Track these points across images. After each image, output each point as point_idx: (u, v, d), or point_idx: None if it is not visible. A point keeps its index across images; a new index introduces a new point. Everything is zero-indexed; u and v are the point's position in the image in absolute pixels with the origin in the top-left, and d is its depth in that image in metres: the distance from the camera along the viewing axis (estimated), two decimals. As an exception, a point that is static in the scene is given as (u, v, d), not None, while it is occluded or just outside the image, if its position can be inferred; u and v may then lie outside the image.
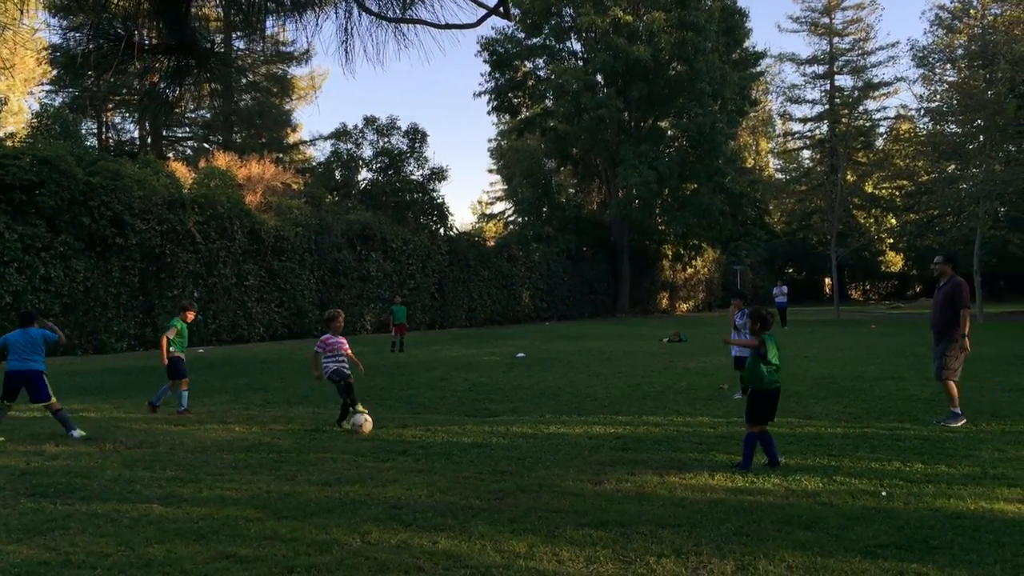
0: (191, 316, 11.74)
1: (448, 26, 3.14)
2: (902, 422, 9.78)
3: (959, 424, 9.50)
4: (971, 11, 42.38)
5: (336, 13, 3.07)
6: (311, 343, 26.30)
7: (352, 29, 3.04)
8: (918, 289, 70.23)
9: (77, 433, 9.41)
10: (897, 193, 56.91)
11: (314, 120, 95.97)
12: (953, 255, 10.58)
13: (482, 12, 3.13)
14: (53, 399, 9.68)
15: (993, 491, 6.54)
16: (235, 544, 5.41)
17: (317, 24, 3.07)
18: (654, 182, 41.72)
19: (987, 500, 6.28)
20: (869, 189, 58.54)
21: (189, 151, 50.81)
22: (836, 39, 65.91)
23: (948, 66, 41.74)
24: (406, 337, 22.99)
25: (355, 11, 3.03)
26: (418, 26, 3.12)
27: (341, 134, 42.49)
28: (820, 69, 66.60)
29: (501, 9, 3.14)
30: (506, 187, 67.75)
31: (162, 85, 3.17)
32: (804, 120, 68.41)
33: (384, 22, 3.08)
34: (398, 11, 3.09)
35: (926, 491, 6.57)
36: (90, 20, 2.95)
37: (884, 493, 6.52)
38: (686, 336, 25.61)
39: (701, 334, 27.63)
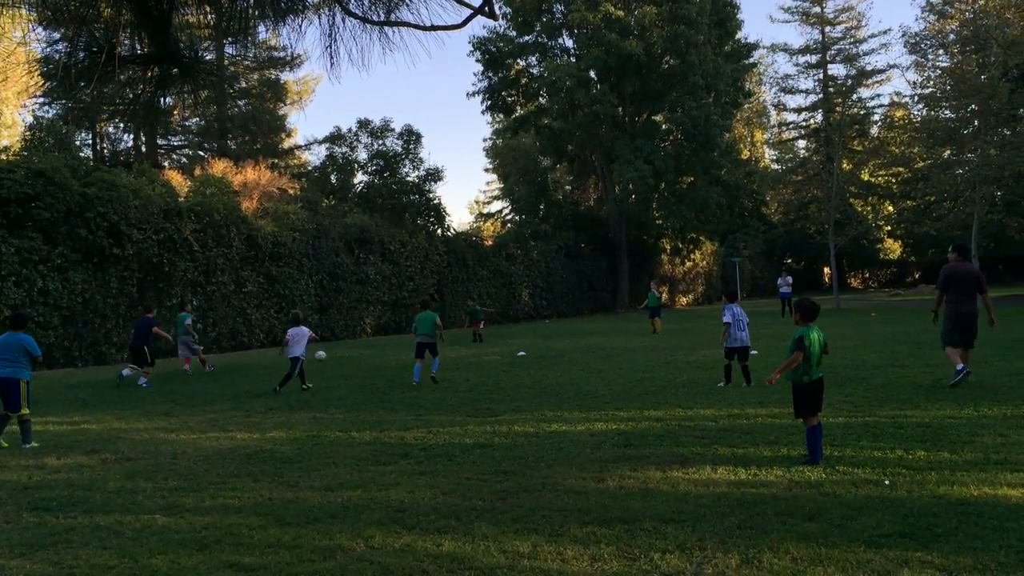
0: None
1: (433, 28, 3.13)
2: (904, 410, 9.78)
3: None
4: (962, -4, 42.33)
5: (320, 19, 3.05)
6: (311, 348, 26.30)
7: (336, 34, 3.03)
8: (917, 276, 70.18)
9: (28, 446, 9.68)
10: (893, 180, 56.82)
11: (309, 124, 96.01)
12: None
13: (467, 13, 3.12)
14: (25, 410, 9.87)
15: (996, 477, 6.53)
16: (238, 553, 5.40)
17: (301, 30, 3.06)
18: (650, 176, 41.68)
19: (990, 486, 6.27)
20: (865, 177, 58.43)
21: (184, 159, 50.79)
22: (828, 28, 65.78)
23: (941, 52, 41.69)
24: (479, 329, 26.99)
25: (338, 15, 3.02)
26: (403, 29, 3.10)
27: (336, 138, 42.43)
28: (813, 58, 66.48)
29: (486, 9, 3.13)
30: (502, 186, 67.67)
31: (147, 95, 3.16)
32: (798, 110, 68.29)
33: (369, 26, 3.06)
34: (382, 14, 3.07)
35: (929, 479, 6.57)
36: (73, 32, 2.94)
37: (887, 482, 6.51)
38: (658, 299, 28.22)
39: (701, 328, 27.62)
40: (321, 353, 14.48)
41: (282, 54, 50.37)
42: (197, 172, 36.53)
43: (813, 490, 6.38)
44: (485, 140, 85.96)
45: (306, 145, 54.26)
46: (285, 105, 53.74)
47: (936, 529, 5.33)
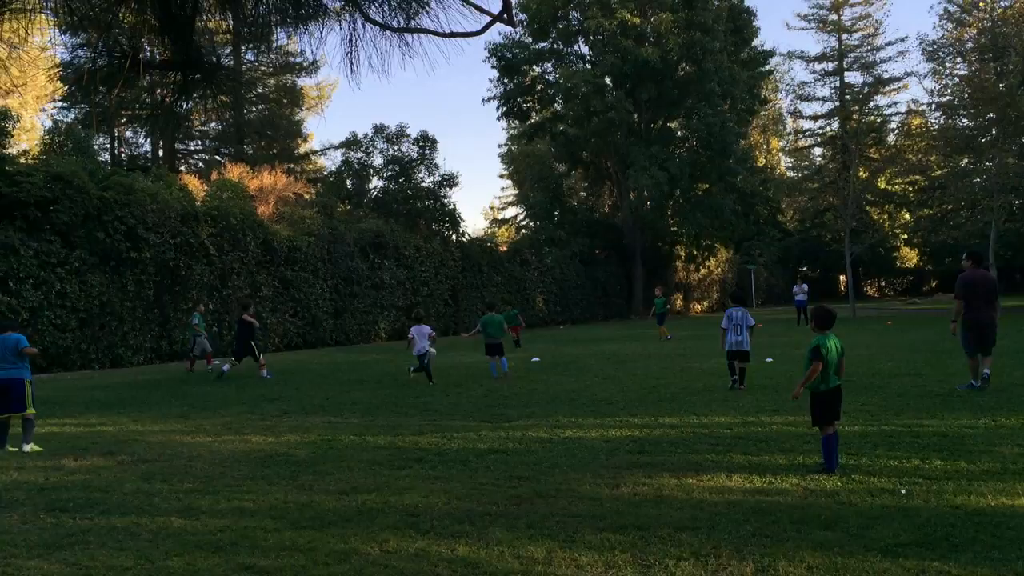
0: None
1: (452, 34, 3.14)
2: (920, 418, 9.71)
3: None
4: (980, 4, 42.15)
5: (340, 25, 3.08)
6: (326, 352, 26.49)
7: (356, 40, 3.05)
8: (934, 284, 69.77)
9: (28, 447, 9.60)
10: (910, 188, 56.57)
11: (325, 130, 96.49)
12: None
13: (486, 19, 3.13)
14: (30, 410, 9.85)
15: (1014, 487, 6.48)
16: (254, 555, 5.42)
17: (321, 36, 3.08)
18: (665, 183, 41.66)
19: (1008, 496, 6.22)
20: (882, 185, 58.21)
21: (201, 164, 51.10)
22: (845, 35, 65.56)
23: (958, 59, 41.61)
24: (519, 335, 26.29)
25: (359, 22, 3.04)
26: (422, 35, 3.12)
27: (351, 143, 42.57)
28: (829, 66, 66.28)
29: (505, 16, 3.14)
30: (517, 192, 67.82)
31: (169, 99, 3.19)
32: (815, 117, 68.05)
33: (388, 32, 3.08)
34: (402, 21, 3.09)
35: (946, 488, 6.52)
36: (97, 37, 2.97)
37: (903, 491, 6.47)
38: (664, 304, 28.86)
39: (716, 335, 27.48)
40: (432, 351, 15.53)
41: (300, 59, 50.71)
42: (214, 176, 36.70)
43: (829, 499, 6.35)
44: (500, 146, 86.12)
45: (322, 150, 54.57)
46: (302, 110, 54.00)
47: (953, 539, 5.29)
